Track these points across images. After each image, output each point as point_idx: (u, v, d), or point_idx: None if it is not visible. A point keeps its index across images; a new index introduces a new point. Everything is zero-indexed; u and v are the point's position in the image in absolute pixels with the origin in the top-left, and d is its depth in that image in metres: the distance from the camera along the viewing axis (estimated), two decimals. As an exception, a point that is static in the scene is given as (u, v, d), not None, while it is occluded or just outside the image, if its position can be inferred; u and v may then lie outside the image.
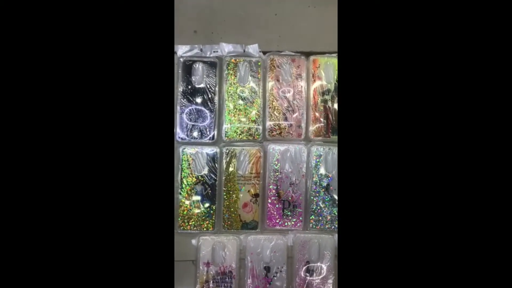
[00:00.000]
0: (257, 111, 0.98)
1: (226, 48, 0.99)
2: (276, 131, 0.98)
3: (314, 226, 0.99)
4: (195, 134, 0.97)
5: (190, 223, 0.97)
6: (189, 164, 0.97)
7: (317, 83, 0.99)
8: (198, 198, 0.97)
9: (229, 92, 0.98)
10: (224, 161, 0.97)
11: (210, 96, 0.97)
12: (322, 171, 0.98)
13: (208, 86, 0.97)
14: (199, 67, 0.98)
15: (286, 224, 0.98)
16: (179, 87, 0.97)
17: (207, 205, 0.97)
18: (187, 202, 0.97)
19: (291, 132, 0.98)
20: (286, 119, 0.98)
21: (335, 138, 0.98)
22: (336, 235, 0.98)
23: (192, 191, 0.97)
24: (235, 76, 0.98)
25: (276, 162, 0.98)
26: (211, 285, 0.96)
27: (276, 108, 0.98)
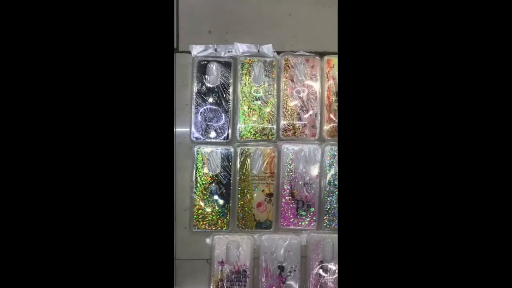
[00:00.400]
0: (271, 110, 0.98)
1: (240, 48, 0.99)
2: (290, 131, 0.98)
3: (328, 226, 0.98)
4: (210, 133, 0.98)
5: (204, 222, 0.98)
6: (203, 163, 0.98)
7: (331, 83, 0.99)
8: (214, 197, 0.98)
9: (244, 92, 0.98)
10: (238, 160, 0.98)
11: (224, 95, 0.98)
12: (336, 171, 0.98)
13: (222, 86, 0.98)
14: (213, 67, 0.99)
15: (300, 223, 0.99)
16: (194, 87, 0.98)
17: (221, 204, 0.98)
18: (201, 202, 0.98)
19: (305, 132, 0.98)
20: (300, 119, 0.98)
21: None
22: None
23: (207, 190, 0.98)
24: (250, 76, 0.99)
25: (290, 162, 0.98)
26: (225, 283, 0.97)
27: (290, 108, 0.98)
